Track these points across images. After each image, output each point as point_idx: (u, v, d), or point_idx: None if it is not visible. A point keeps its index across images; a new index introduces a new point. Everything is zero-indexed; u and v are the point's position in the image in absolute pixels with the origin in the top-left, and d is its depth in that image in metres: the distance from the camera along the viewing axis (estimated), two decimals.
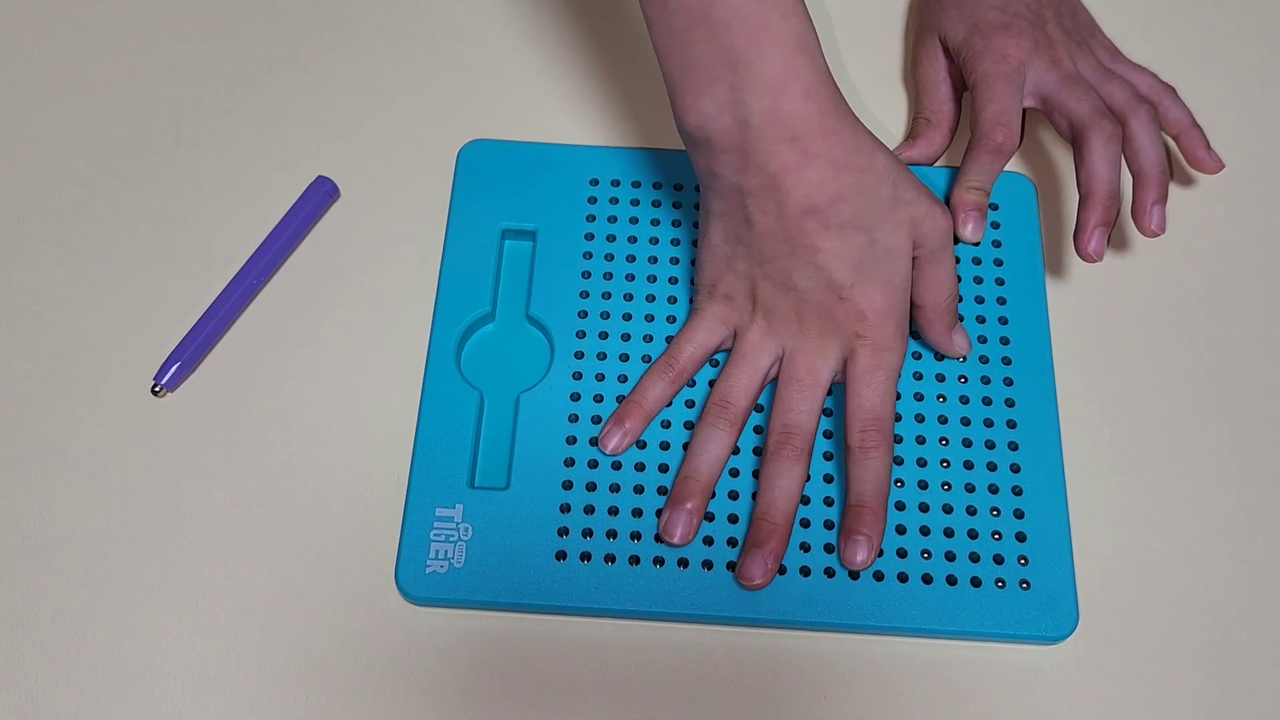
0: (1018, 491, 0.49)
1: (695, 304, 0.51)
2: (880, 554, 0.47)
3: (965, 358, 0.51)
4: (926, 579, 0.47)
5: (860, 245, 0.46)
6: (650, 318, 0.52)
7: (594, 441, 0.49)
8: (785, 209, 0.45)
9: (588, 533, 0.48)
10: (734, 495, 0.49)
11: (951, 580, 0.47)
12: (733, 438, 0.49)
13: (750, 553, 0.46)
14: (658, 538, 0.47)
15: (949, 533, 0.48)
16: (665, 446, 0.50)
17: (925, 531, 0.48)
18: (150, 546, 0.48)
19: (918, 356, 0.51)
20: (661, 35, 0.45)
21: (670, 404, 0.50)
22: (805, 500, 0.48)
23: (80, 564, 0.48)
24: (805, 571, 0.47)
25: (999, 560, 0.47)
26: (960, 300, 0.52)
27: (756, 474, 0.49)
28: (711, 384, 0.51)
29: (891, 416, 0.48)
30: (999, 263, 0.54)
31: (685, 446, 0.49)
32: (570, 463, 0.49)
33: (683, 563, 0.47)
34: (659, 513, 0.48)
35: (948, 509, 0.48)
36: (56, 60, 0.60)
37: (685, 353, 0.50)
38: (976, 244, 0.54)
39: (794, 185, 0.44)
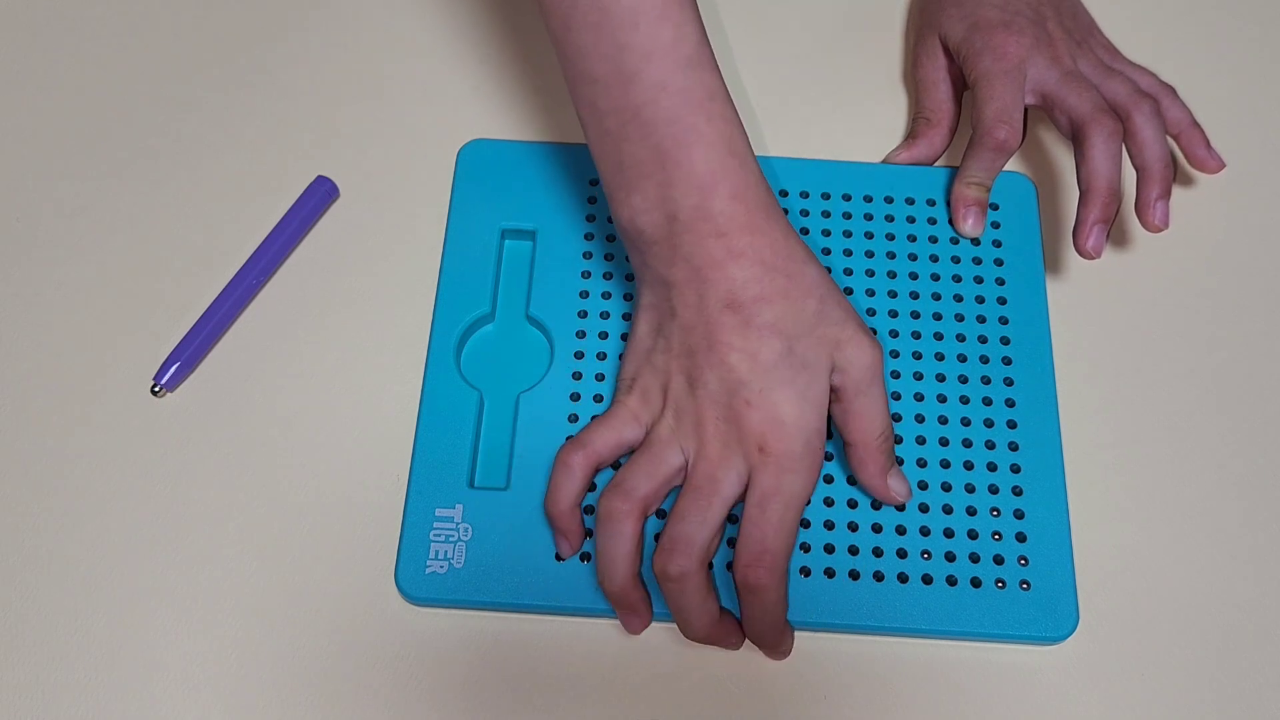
0: (1018, 492, 0.49)
1: (615, 397, 0.48)
2: (879, 554, 0.47)
3: (902, 506, 0.48)
4: (926, 579, 0.47)
5: (776, 352, 0.44)
6: None
7: None
8: (706, 301, 0.44)
9: (587, 533, 0.48)
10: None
11: (951, 581, 0.47)
12: (636, 529, 0.45)
13: None
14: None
15: (949, 533, 0.48)
16: None
17: (925, 532, 0.48)
18: (150, 546, 0.48)
19: (918, 356, 0.51)
20: (595, 137, 0.45)
21: (592, 488, 0.48)
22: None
23: (80, 564, 0.48)
24: (805, 572, 0.47)
25: (999, 560, 0.47)
26: (897, 438, 0.48)
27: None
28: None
29: (785, 548, 0.44)
30: (999, 263, 0.54)
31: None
32: None
33: None
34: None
35: (948, 509, 0.48)
36: (56, 60, 0.60)
37: (599, 436, 0.47)
38: (976, 239, 0.54)
39: (719, 279, 0.44)
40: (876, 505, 0.48)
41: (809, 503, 0.46)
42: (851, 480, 0.48)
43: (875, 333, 0.47)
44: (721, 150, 0.43)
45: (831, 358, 0.45)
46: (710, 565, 0.45)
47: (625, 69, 0.43)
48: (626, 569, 0.45)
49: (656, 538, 0.46)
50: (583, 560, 0.47)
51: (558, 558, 0.47)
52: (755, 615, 0.45)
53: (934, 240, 0.54)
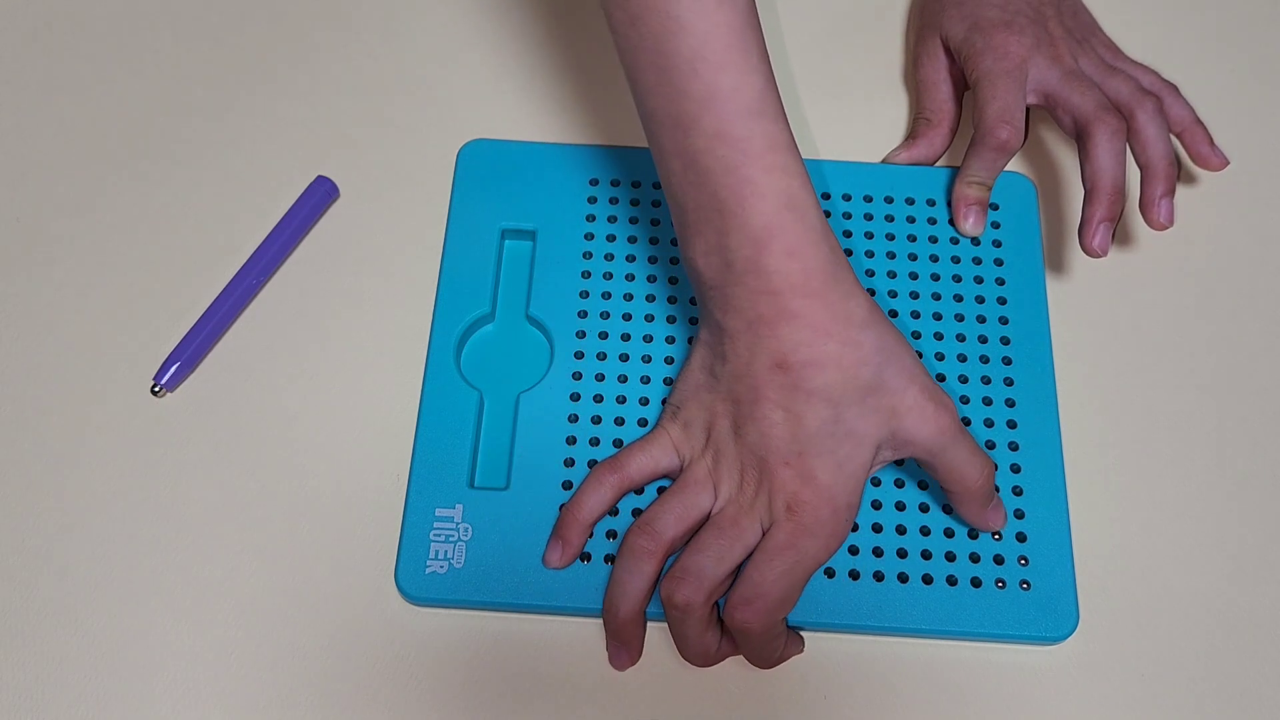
0: (1018, 492, 0.49)
1: (659, 421, 0.49)
2: (879, 554, 0.47)
3: (999, 533, 0.48)
4: (926, 579, 0.47)
5: (821, 418, 0.43)
6: (650, 318, 0.52)
7: (594, 441, 0.49)
8: (756, 356, 0.43)
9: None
10: None
11: (952, 580, 0.47)
12: (656, 569, 0.46)
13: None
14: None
15: (949, 533, 0.48)
16: None
17: (925, 532, 0.48)
18: (150, 546, 0.48)
19: (918, 355, 0.51)
20: (663, 176, 0.45)
21: (615, 512, 0.48)
22: None
23: (80, 564, 0.48)
24: None
25: (999, 561, 0.47)
26: (996, 470, 0.47)
27: None
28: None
29: (780, 598, 0.43)
30: (999, 263, 0.54)
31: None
32: (570, 463, 0.49)
33: None
34: None
35: (948, 509, 0.48)
36: (56, 60, 0.60)
37: (635, 462, 0.47)
38: (976, 239, 0.54)
39: (770, 336, 0.43)
40: (877, 505, 0.48)
41: (823, 564, 0.46)
42: None
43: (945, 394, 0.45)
44: (777, 205, 0.42)
45: (887, 427, 0.44)
46: (716, 604, 0.45)
47: (685, 115, 0.42)
48: (635, 605, 0.45)
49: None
50: (583, 560, 0.47)
51: (545, 564, 0.47)
52: (745, 650, 0.45)
53: (934, 240, 0.54)
